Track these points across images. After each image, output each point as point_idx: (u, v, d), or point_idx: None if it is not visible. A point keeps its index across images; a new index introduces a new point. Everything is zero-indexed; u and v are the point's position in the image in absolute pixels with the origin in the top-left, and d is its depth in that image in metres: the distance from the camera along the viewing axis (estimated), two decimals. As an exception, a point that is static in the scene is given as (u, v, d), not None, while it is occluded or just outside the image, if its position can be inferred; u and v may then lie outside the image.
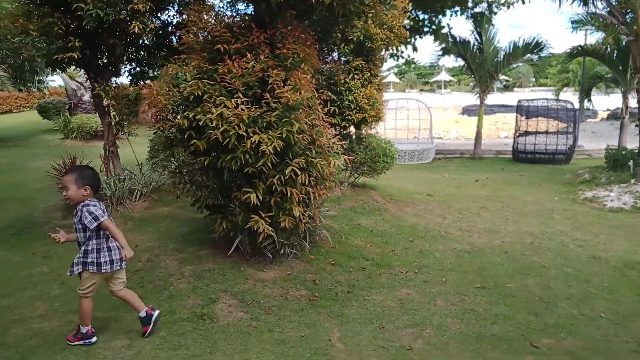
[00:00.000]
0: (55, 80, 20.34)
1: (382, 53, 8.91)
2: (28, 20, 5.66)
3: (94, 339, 3.43)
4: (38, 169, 11.73)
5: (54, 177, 7.31)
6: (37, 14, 5.76)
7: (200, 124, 4.08)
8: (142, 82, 7.08)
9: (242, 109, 4.04)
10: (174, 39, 7.00)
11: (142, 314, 3.51)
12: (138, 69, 7.19)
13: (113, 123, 6.64)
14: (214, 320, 3.78)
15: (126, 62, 7.19)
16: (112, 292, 3.51)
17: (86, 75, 6.83)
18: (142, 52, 7.15)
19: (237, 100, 4.09)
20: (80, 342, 3.40)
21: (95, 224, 3.26)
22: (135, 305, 3.53)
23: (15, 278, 4.69)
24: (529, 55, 15.56)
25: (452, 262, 5.30)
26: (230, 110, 4.02)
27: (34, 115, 25.21)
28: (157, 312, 3.55)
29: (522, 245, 6.03)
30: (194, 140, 4.25)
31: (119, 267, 3.41)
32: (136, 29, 5.60)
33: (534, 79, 55.38)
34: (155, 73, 7.13)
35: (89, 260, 3.31)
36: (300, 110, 4.30)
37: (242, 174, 4.32)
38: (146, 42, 6.79)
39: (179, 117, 4.43)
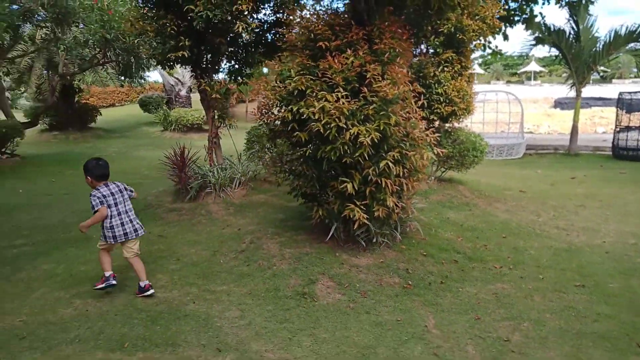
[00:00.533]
0: (151, 76, 22.05)
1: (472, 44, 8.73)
2: (144, 22, 6.32)
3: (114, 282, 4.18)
4: (144, 157, 13.00)
5: (164, 166, 8.05)
6: (151, 16, 6.40)
7: (304, 117, 4.37)
8: (240, 79, 7.57)
9: (343, 103, 4.27)
10: (269, 37, 7.45)
11: (142, 284, 4.20)
12: (236, 66, 7.70)
13: (216, 116, 7.20)
14: (315, 299, 4.07)
15: (224, 60, 7.73)
16: (125, 257, 4.26)
17: (192, 72, 7.45)
18: (239, 51, 7.66)
19: (337, 94, 4.32)
20: (104, 285, 4.14)
21: (93, 212, 4.04)
22: (142, 273, 4.23)
23: None
24: (632, 44, 14.24)
25: (548, 259, 5.16)
26: (331, 103, 4.26)
27: (135, 109, 27.58)
28: (151, 291, 4.20)
29: (624, 246, 5.70)
30: (297, 132, 4.56)
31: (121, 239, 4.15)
32: (240, 29, 6.05)
33: (636, 70, 50.22)
34: (250, 70, 7.60)
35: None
36: (397, 104, 4.44)
37: (340, 164, 4.56)
38: (245, 40, 7.28)
39: (282, 110, 4.76)
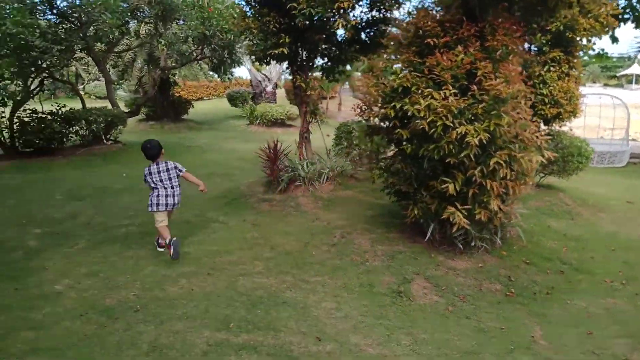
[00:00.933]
0: (235, 71, 23.09)
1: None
2: (245, 20, 6.58)
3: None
4: (233, 149, 13.58)
5: (255, 157, 8.35)
6: (254, 13, 6.64)
7: (408, 114, 4.31)
8: (332, 76, 7.63)
9: (451, 100, 4.16)
10: (363, 35, 7.44)
11: (163, 242, 4.95)
12: (330, 63, 7.79)
13: (308, 111, 7.34)
14: (411, 299, 4.02)
15: (318, 57, 7.83)
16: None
17: (288, 69, 7.65)
18: (333, 48, 7.72)
19: (445, 92, 4.21)
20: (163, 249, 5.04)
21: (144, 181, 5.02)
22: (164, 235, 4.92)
23: (234, 239, 5.56)
24: None
25: (667, 278, 4.69)
26: (438, 101, 4.17)
27: (221, 103, 28.94)
28: (161, 249, 5.09)
29: None
30: (398, 130, 4.52)
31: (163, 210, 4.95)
32: (340, 26, 6.10)
33: None
34: (343, 68, 7.64)
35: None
36: (509, 103, 4.24)
37: (441, 163, 4.45)
38: (340, 38, 7.33)
39: (384, 107, 4.73)
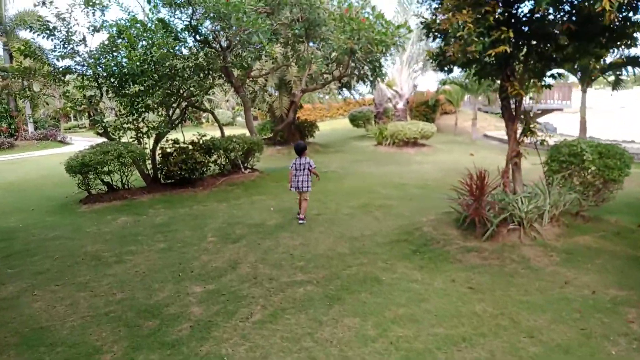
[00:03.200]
0: (359, 89, 21.93)
1: None
2: (457, 14, 5.02)
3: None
4: (370, 174, 12.16)
5: (401, 183, 6.75)
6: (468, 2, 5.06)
7: None
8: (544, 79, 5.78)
9: None
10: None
11: (302, 217, 7.19)
12: (540, 64, 5.95)
13: (519, 130, 5.56)
14: None
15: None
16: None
17: (477, 75, 5.97)
18: (548, 44, 5.88)
19: None
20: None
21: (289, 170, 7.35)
22: (302, 209, 7.25)
23: (457, 314, 3.87)
24: None
25: None
26: None
27: (337, 123, 28.12)
28: (302, 222, 7.16)
29: None
30: None
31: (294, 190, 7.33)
32: (606, 5, 4.26)
33: None
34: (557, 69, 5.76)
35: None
36: None
37: None
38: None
39: None
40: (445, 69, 6.17)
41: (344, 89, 17.32)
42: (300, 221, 7.08)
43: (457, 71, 16.80)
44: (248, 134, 12.54)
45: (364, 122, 21.63)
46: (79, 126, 41.56)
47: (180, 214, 8.22)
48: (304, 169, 7.14)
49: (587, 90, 13.95)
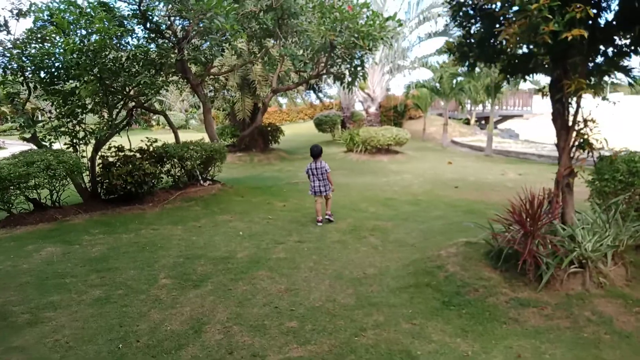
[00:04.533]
0: (327, 92, 20.52)
1: None
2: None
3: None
4: (347, 185, 10.81)
5: (385, 199, 5.47)
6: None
7: None
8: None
9: None
10: None
11: (328, 213, 7.36)
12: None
13: (574, 142, 4.31)
14: None
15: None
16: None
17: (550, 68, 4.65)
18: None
19: None
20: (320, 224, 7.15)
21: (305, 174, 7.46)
22: (328, 206, 7.40)
23: None
24: None
25: None
26: None
27: (300, 128, 26.70)
28: (329, 218, 7.34)
29: None
30: None
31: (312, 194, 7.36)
32: None
33: None
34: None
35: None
36: None
37: None
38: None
39: None
40: (468, 63, 4.90)
41: (311, 90, 15.87)
42: (327, 216, 7.28)
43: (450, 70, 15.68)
44: (207, 139, 10.87)
45: (331, 127, 20.32)
46: (16, 128, 37.70)
47: (123, 242, 6.49)
48: (321, 174, 7.12)
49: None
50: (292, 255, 5.66)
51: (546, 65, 4.37)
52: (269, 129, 16.99)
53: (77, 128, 8.66)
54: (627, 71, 4.02)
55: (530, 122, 34.39)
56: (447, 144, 19.19)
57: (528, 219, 3.96)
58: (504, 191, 9.84)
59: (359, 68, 9.20)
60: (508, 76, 4.90)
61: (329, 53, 8.61)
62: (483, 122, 29.53)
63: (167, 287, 4.78)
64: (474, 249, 4.78)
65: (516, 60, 4.80)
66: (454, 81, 17.62)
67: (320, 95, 17.76)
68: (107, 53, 8.06)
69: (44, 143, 8.50)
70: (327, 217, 7.30)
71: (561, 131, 4.18)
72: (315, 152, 7.18)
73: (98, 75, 8.08)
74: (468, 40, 4.60)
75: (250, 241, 6.38)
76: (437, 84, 18.40)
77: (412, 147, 18.01)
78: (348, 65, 9.45)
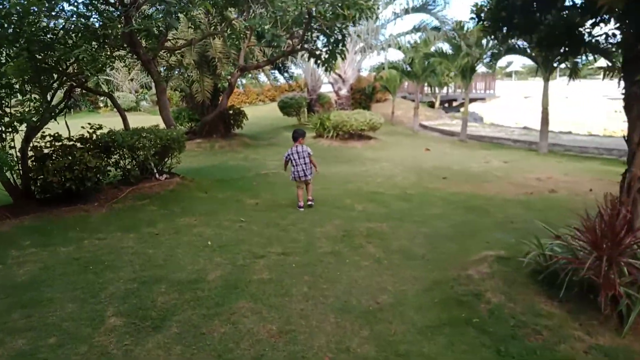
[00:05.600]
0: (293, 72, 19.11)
1: None
2: None
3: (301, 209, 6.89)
4: (323, 176, 9.73)
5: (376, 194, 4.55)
6: None
7: None
8: None
9: None
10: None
11: (310, 198, 7.19)
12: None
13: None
14: None
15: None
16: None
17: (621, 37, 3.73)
18: None
19: None
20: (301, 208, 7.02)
21: (284, 159, 7.19)
22: (309, 191, 7.18)
23: None
24: None
25: None
26: None
27: (260, 111, 25.21)
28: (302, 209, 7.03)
29: None
30: None
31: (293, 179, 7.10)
32: None
33: None
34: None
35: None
36: None
37: None
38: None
39: None
40: (500, 33, 3.91)
41: (276, 70, 14.56)
42: (310, 202, 7.14)
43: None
44: (162, 125, 9.45)
45: (296, 111, 19.06)
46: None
47: (60, 258, 5.16)
48: (303, 157, 6.95)
49: (549, 79, 12.72)
50: (278, 276, 4.55)
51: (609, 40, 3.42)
52: (231, 112, 15.55)
53: (0, 112, 7.06)
54: None
55: (490, 105, 34.48)
56: (417, 129, 18.44)
57: (604, 239, 3.04)
58: (496, 182, 9.10)
59: (337, 45, 8.03)
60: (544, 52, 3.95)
61: (305, 25, 7.38)
62: (447, 105, 29.15)
63: (117, 331, 3.57)
64: (512, 267, 3.86)
65: (557, 32, 3.85)
66: (426, 62, 16.79)
67: (286, 75, 16.42)
68: (36, 20, 6.52)
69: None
70: (309, 202, 7.17)
71: (637, 122, 3.25)
72: (297, 135, 6.98)
73: (26, 47, 6.51)
74: (507, 3, 3.58)
75: (222, 254, 5.20)
76: (408, 66, 17.52)
77: (382, 131, 17.10)
78: (325, 41, 8.27)
